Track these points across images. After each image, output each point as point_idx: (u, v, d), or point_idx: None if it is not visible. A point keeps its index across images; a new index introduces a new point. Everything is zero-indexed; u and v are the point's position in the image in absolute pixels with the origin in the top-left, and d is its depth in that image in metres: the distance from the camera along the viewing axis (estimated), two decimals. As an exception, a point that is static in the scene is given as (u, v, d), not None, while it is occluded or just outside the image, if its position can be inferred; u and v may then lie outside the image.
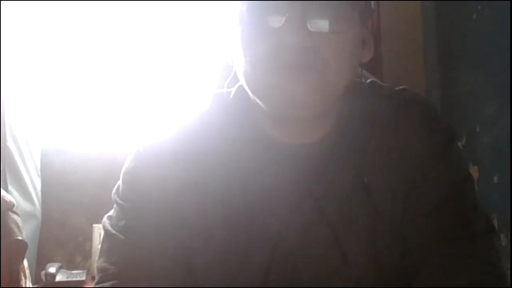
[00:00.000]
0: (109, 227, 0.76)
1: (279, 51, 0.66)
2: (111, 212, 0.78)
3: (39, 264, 2.09)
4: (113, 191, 0.78)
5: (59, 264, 2.09)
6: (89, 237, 2.12)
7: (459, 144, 1.74)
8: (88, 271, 2.09)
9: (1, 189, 1.57)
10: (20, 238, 1.51)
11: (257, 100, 0.72)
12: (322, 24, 0.66)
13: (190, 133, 0.77)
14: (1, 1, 1.96)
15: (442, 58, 1.99)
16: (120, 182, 0.78)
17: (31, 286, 1.66)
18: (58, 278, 2.01)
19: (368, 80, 0.82)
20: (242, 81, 0.72)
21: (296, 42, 0.65)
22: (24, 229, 1.59)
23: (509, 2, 1.52)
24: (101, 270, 0.74)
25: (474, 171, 1.73)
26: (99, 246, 0.77)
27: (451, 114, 1.86)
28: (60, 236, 2.19)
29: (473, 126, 1.76)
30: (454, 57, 1.91)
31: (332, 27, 0.66)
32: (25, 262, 1.59)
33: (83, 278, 2.04)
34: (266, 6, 0.67)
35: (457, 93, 1.89)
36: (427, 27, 2.05)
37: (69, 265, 2.16)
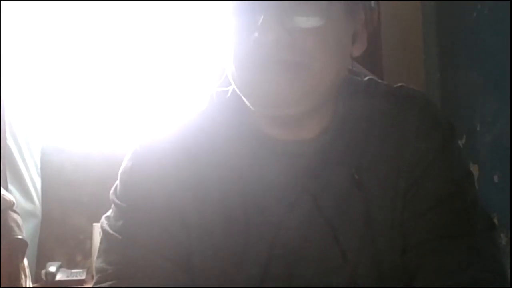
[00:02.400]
0: (107, 227, 0.76)
1: (259, 50, 0.67)
2: (109, 213, 0.78)
3: (39, 263, 2.10)
4: (111, 191, 0.78)
5: (59, 263, 2.09)
6: (89, 236, 2.13)
7: (460, 142, 1.74)
8: (88, 270, 2.09)
9: (1, 188, 1.58)
10: (20, 237, 1.51)
11: (246, 101, 0.72)
12: (300, 19, 0.67)
13: (188, 132, 0.77)
14: (1, 1, 1.96)
15: (442, 58, 1.99)
16: (117, 182, 0.78)
17: (31, 285, 1.66)
18: (58, 277, 2.02)
19: (366, 78, 0.82)
20: (231, 82, 0.73)
21: (274, 39, 0.66)
22: (24, 228, 1.59)
23: (509, 1, 1.52)
24: (99, 270, 0.74)
25: (474, 170, 1.73)
26: (98, 246, 0.77)
27: (451, 113, 1.86)
28: (60, 235, 2.20)
29: (473, 125, 1.76)
30: (454, 56, 1.91)
31: (310, 21, 0.67)
32: (25, 261, 1.60)
33: (83, 277, 2.04)
34: (246, 6, 0.68)
35: (457, 93, 1.89)
36: (427, 27, 2.05)
37: (69, 264, 2.17)
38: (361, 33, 0.74)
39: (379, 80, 0.83)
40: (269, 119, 0.75)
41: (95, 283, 0.74)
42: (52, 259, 2.12)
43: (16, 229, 1.51)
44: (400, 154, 0.76)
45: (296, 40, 0.67)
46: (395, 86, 0.82)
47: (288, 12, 0.66)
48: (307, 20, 0.67)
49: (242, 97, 0.73)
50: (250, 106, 0.72)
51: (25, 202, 2.03)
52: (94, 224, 2.07)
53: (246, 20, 0.68)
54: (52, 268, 2.02)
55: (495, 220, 1.57)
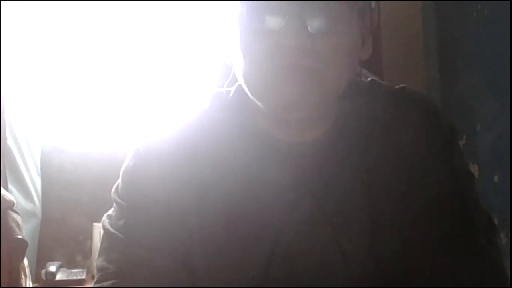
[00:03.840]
0: (109, 226, 0.76)
1: (279, 53, 0.66)
2: (110, 211, 0.78)
3: (39, 263, 2.09)
4: (113, 190, 0.78)
5: (59, 263, 2.09)
6: (89, 236, 2.13)
7: (460, 143, 1.74)
8: (88, 270, 2.09)
9: (1, 188, 1.57)
10: (20, 237, 1.51)
11: (256, 101, 0.72)
12: (322, 26, 0.66)
13: (190, 131, 0.77)
14: (1, 1, 1.96)
15: (442, 58, 1.99)
16: (119, 181, 0.78)
17: (31, 285, 1.66)
18: (58, 277, 2.01)
19: (368, 79, 0.82)
20: (241, 82, 0.73)
21: (296, 44, 0.65)
22: (24, 228, 1.59)
23: (509, 1, 1.53)
24: (100, 269, 0.74)
25: (474, 170, 1.73)
26: (99, 245, 0.77)
27: (451, 114, 1.86)
28: (60, 235, 2.19)
29: (473, 126, 1.76)
30: (454, 57, 1.91)
31: (332, 28, 0.66)
32: (25, 261, 1.60)
33: (83, 277, 2.04)
34: (265, 7, 0.66)
35: (457, 93, 1.89)
36: (427, 27, 2.05)
37: (69, 264, 2.16)
38: (367, 37, 0.74)
39: (381, 81, 0.83)
40: (273, 120, 0.75)
41: (96, 282, 0.74)
42: (52, 259, 2.12)
43: (16, 229, 1.51)
44: (402, 155, 0.77)
45: (315, 46, 0.66)
46: (397, 87, 0.82)
47: (311, 16, 0.65)
48: (328, 26, 0.66)
49: (253, 98, 0.72)
50: (262, 107, 0.72)
51: (25, 202, 2.03)
52: (94, 224, 2.08)
53: (265, 22, 0.66)
54: (52, 268, 2.02)
55: (495, 220, 1.58)
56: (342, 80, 0.70)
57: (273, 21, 0.66)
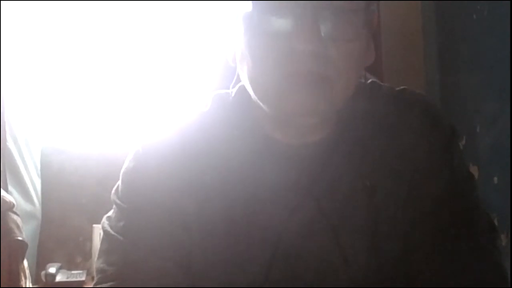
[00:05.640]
0: (108, 228, 0.75)
1: (291, 59, 0.65)
2: (110, 213, 0.78)
3: (39, 264, 2.09)
4: (112, 192, 0.78)
5: (59, 264, 2.09)
6: (89, 237, 2.13)
7: (460, 144, 1.74)
8: (88, 272, 2.09)
9: (1, 189, 1.57)
10: (20, 238, 1.51)
11: (263, 106, 0.71)
12: (335, 31, 0.65)
13: (190, 133, 0.77)
14: (1, 1, 1.96)
15: (442, 58, 1.99)
16: (119, 182, 0.78)
17: (31, 286, 1.66)
18: (58, 278, 2.01)
19: (369, 81, 0.82)
20: (247, 85, 0.72)
21: (309, 49, 0.64)
22: (24, 229, 1.59)
23: (509, 2, 1.52)
24: (99, 271, 0.74)
25: (474, 171, 1.73)
26: (99, 247, 0.77)
27: (451, 114, 1.86)
28: (60, 236, 2.19)
29: (473, 126, 1.76)
30: (454, 57, 1.91)
31: (344, 34, 0.66)
32: (25, 262, 1.60)
33: (83, 279, 2.04)
34: (277, 11, 0.66)
35: (457, 93, 1.89)
36: (427, 27, 2.05)
37: (69, 265, 2.16)
38: (370, 41, 0.74)
39: (381, 83, 0.83)
40: (275, 122, 0.74)
41: (95, 284, 0.74)
42: (52, 261, 2.12)
43: (16, 230, 1.51)
44: (402, 156, 0.76)
45: (328, 52, 0.65)
46: (397, 89, 0.82)
47: (324, 22, 0.64)
48: (341, 32, 0.65)
49: (260, 102, 0.71)
50: (269, 112, 0.71)
51: (25, 203, 2.03)
52: (94, 225, 2.07)
53: (277, 26, 0.66)
54: (52, 270, 2.02)
55: (495, 222, 1.57)
56: (351, 87, 0.70)
57: (285, 25, 0.65)
